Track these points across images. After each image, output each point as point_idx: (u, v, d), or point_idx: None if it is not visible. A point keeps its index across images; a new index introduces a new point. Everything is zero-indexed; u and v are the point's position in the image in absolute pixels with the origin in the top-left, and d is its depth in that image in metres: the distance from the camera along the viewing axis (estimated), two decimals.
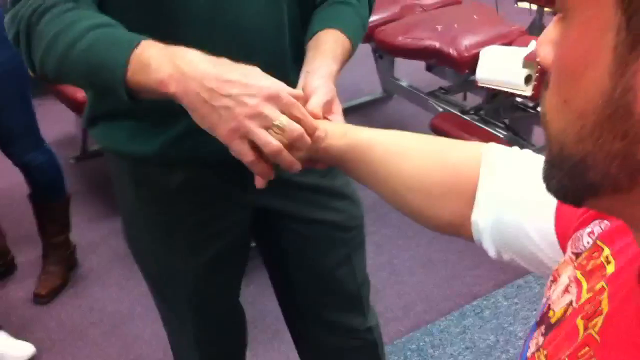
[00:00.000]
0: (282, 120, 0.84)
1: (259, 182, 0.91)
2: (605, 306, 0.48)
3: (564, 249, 0.64)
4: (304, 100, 0.95)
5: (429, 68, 3.12)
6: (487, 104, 2.82)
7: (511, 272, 2.40)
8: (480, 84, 2.55)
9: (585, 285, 0.53)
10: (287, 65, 1.13)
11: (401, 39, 2.89)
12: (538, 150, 0.69)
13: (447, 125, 2.76)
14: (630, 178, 0.37)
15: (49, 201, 2.42)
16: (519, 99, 2.64)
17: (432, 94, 3.10)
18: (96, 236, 2.75)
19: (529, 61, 2.30)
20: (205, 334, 1.40)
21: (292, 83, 1.01)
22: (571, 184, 0.40)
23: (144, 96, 0.90)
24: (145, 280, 1.40)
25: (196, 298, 1.33)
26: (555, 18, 0.40)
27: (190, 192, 1.20)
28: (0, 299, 2.44)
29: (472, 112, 2.85)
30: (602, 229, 0.56)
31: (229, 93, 0.83)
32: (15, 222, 2.79)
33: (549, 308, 0.57)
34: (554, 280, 0.59)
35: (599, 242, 0.55)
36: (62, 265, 2.50)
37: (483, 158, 0.76)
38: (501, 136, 2.67)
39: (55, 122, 3.37)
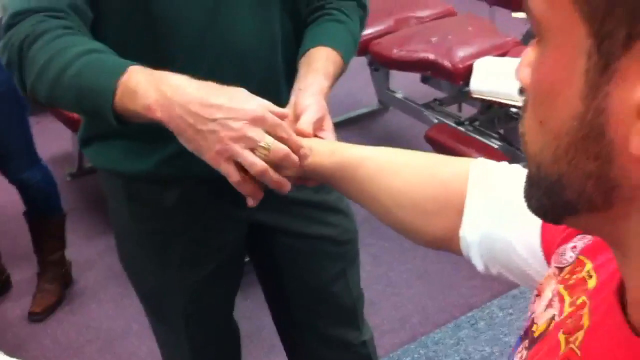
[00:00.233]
0: (268, 141, 0.86)
1: (250, 202, 0.92)
2: (586, 321, 0.48)
3: (549, 263, 0.64)
4: (295, 118, 0.96)
5: (424, 80, 3.13)
6: (482, 115, 2.82)
7: (506, 282, 2.38)
8: (474, 95, 2.55)
9: (567, 300, 0.53)
10: (280, 83, 1.14)
11: (396, 52, 2.90)
12: None
13: (442, 136, 2.76)
14: (604, 197, 0.37)
15: (44, 218, 2.42)
16: (513, 110, 2.64)
17: (427, 105, 3.11)
18: (92, 253, 2.75)
19: None
20: (200, 350, 1.40)
21: (285, 101, 1.02)
22: (549, 203, 0.41)
23: (132, 121, 0.91)
24: (138, 297, 1.39)
25: (190, 314, 1.33)
26: (533, 41, 0.41)
27: (184, 209, 1.20)
28: None
29: (467, 123, 2.85)
30: (584, 243, 0.56)
31: (214, 117, 0.84)
32: (11, 239, 2.79)
33: (532, 322, 0.57)
34: (538, 295, 0.59)
35: (581, 257, 0.55)
36: (57, 282, 2.50)
37: (470, 173, 0.76)
38: (496, 147, 2.67)
39: (52, 139, 3.38)
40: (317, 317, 1.38)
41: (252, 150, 0.85)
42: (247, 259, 1.40)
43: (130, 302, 2.44)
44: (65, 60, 0.92)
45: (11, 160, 2.27)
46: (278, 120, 0.88)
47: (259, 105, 0.87)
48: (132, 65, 0.90)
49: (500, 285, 2.40)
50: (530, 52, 0.41)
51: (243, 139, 0.84)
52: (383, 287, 2.48)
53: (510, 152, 2.61)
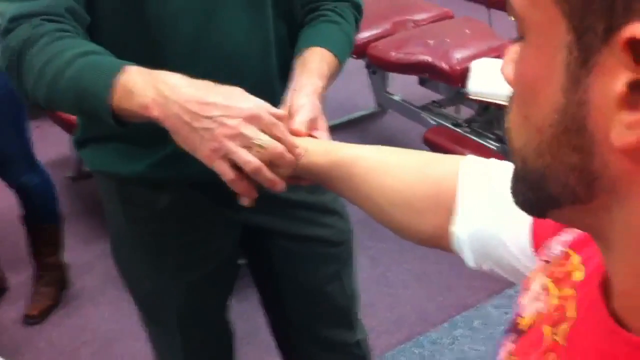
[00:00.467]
0: (263, 139, 0.86)
1: (245, 201, 0.92)
2: (572, 313, 0.48)
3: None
4: (289, 118, 0.96)
5: (421, 82, 3.13)
6: (480, 117, 2.83)
7: (503, 281, 2.38)
8: (472, 97, 2.55)
9: (554, 293, 0.53)
10: (274, 84, 1.15)
11: (394, 54, 2.91)
12: None
13: (440, 138, 2.76)
14: (587, 189, 0.38)
15: (42, 223, 2.42)
16: None
17: (425, 107, 3.11)
18: (89, 256, 2.74)
19: None
20: (194, 352, 1.40)
21: (280, 102, 1.02)
22: (534, 197, 0.42)
23: (129, 120, 0.92)
24: (133, 299, 1.39)
25: (184, 316, 1.33)
26: (516, 38, 0.42)
27: (179, 212, 1.21)
28: None
29: (464, 124, 2.86)
30: (572, 237, 0.56)
31: (209, 115, 0.85)
32: (7, 243, 2.79)
33: (519, 315, 0.57)
34: (526, 288, 0.59)
35: (568, 250, 0.56)
36: (54, 286, 2.49)
37: (461, 170, 0.77)
38: (494, 148, 2.67)
39: (51, 143, 3.38)
40: (312, 318, 1.38)
41: (247, 148, 0.85)
42: (242, 261, 1.40)
43: (126, 305, 2.43)
44: (62, 62, 0.92)
45: (10, 164, 2.27)
46: (274, 119, 0.88)
47: (255, 103, 0.88)
48: (129, 65, 0.91)
49: (496, 285, 2.40)
50: (514, 49, 0.42)
51: (238, 137, 0.84)
52: (380, 288, 2.48)
53: (508, 153, 2.60)
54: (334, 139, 0.99)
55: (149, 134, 1.09)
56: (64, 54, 0.93)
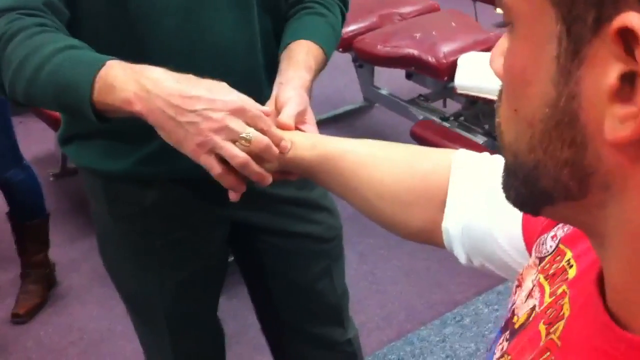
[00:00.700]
0: (249, 132, 0.85)
1: (233, 196, 0.91)
2: (566, 310, 0.48)
3: (531, 254, 0.64)
4: (277, 111, 0.96)
5: (408, 76, 3.13)
6: (467, 111, 2.83)
7: (493, 278, 2.39)
8: (459, 91, 2.56)
9: (547, 290, 0.53)
10: (261, 79, 1.14)
11: (380, 48, 2.90)
12: None
13: (427, 132, 2.76)
14: (580, 185, 0.37)
15: (28, 219, 2.40)
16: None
17: (412, 101, 3.12)
18: (76, 254, 2.73)
19: None
20: (183, 351, 1.39)
21: (267, 97, 1.02)
22: (527, 192, 0.41)
23: (111, 116, 0.90)
24: (121, 297, 1.38)
25: (173, 316, 1.32)
26: (506, 30, 0.41)
27: (166, 209, 1.20)
28: None
29: (452, 118, 2.86)
30: (564, 232, 0.56)
31: (194, 108, 0.83)
32: None
33: (513, 313, 0.56)
34: (519, 285, 0.59)
35: (561, 246, 0.55)
36: (41, 284, 2.48)
37: (452, 165, 0.76)
38: (481, 142, 2.68)
39: (35, 140, 3.35)
40: (302, 316, 1.37)
41: (233, 141, 0.84)
42: (231, 259, 1.39)
43: (114, 303, 2.41)
44: (42, 57, 0.90)
45: None
46: (258, 112, 0.87)
47: (239, 96, 0.87)
48: (110, 59, 0.89)
49: (486, 281, 2.40)
50: (503, 41, 0.41)
51: (224, 130, 0.84)
52: (369, 285, 2.48)
53: (496, 147, 2.61)
54: (321, 134, 0.98)
55: (134, 130, 1.07)
56: (44, 48, 0.91)
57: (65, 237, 2.80)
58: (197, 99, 0.84)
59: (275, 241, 1.29)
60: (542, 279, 0.54)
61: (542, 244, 0.58)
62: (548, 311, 0.50)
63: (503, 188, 0.43)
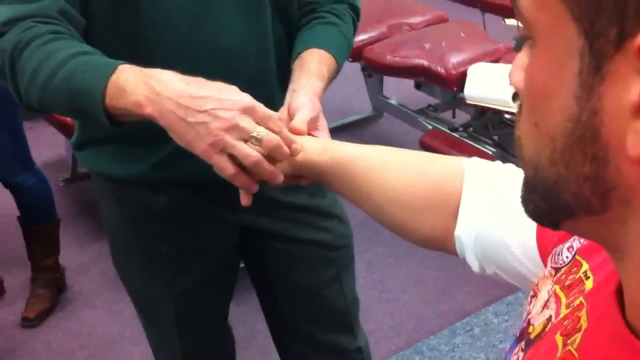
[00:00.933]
0: (259, 131, 0.85)
1: (244, 200, 0.91)
2: (584, 322, 0.48)
3: (545, 263, 0.64)
4: (289, 117, 0.96)
5: (417, 86, 3.13)
6: (476, 121, 2.83)
7: (502, 288, 2.39)
8: (468, 102, 2.56)
9: (564, 301, 0.53)
10: (272, 84, 1.14)
11: (389, 58, 2.91)
12: None
13: (436, 142, 2.77)
14: (601, 200, 0.37)
15: (38, 223, 2.41)
16: (507, 116, 2.65)
17: (421, 111, 3.12)
18: (85, 259, 2.74)
19: None
20: (193, 356, 1.39)
21: (279, 104, 1.02)
22: (547, 206, 0.41)
23: (123, 120, 0.91)
24: (131, 300, 1.39)
25: (182, 320, 1.32)
26: (525, 44, 0.41)
27: (175, 214, 1.20)
28: None
29: (461, 129, 2.86)
30: (581, 243, 0.56)
31: (204, 109, 0.83)
32: (4, 244, 2.78)
33: (528, 323, 0.56)
34: (534, 295, 0.59)
35: (577, 257, 0.55)
36: (51, 288, 2.48)
37: (466, 173, 0.76)
38: (490, 153, 2.68)
39: (46, 144, 3.37)
40: (311, 323, 1.37)
41: (244, 141, 0.84)
42: (242, 265, 1.39)
43: (123, 307, 2.43)
44: (55, 63, 0.91)
45: (4, 165, 2.27)
46: (268, 112, 0.87)
47: (248, 96, 0.87)
48: (121, 64, 0.90)
49: (496, 291, 2.40)
50: (522, 56, 0.41)
51: (235, 129, 0.83)
52: (378, 293, 2.47)
53: (505, 158, 2.61)
54: None
55: (146, 136, 1.08)
56: (57, 55, 0.92)
57: (75, 241, 2.82)
58: (206, 99, 0.84)
59: (284, 247, 1.29)
60: (558, 290, 0.54)
61: (558, 255, 0.58)
62: (565, 322, 0.50)
63: (522, 202, 0.43)
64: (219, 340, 1.46)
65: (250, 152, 0.83)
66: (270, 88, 1.14)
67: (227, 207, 1.21)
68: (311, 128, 0.96)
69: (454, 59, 2.71)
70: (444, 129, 2.91)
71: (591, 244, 0.54)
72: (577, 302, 0.51)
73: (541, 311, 0.55)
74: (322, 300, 1.34)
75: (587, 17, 0.34)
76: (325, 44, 1.13)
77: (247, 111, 0.85)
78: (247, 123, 0.84)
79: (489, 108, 2.50)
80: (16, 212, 2.42)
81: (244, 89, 0.89)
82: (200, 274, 1.27)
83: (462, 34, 2.95)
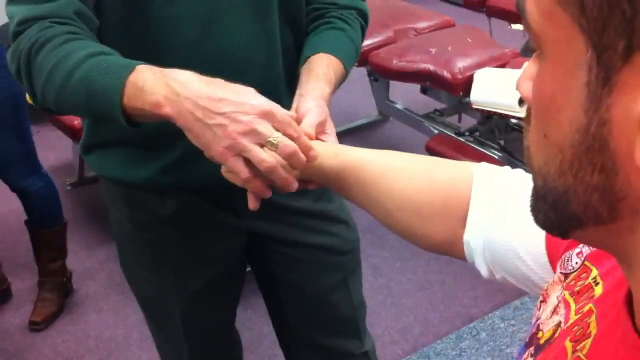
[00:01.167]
0: (276, 136, 0.84)
1: (252, 204, 0.91)
2: (593, 329, 0.48)
3: (554, 269, 0.64)
4: (297, 122, 0.96)
5: (423, 90, 3.14)
6: (482, 126, 2.83)
7: (508, 293, 2.39)
8: (474, 106, 2.56)
9: (573, 307, 0.53)
10: (280, 91, 1.15)
11: (396, 62, 2.91)
12: None
13: (442, 147, 2.77)
14: (610, 210, 0.37)
15: (45, 227, 2.42)
16: (513, 120, 2.65)
17: (427, 116, 3.12)
18: (92, 262, 2.74)
19: None
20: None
21: (286, 109, 1.02)
22: (556, 216, 0.41)
23: (140, 120, 0.90)
24: (139, 304, 1.39)
25: (190, 325, 1.32)
26: (533, 55, 0.41)
27: (183, 218, 1.20)
28: None
29: (467, 133, 2.86)
30: (590, 249, 0.57)
31: (222, 111, 0.83)
32: (12, 248, 2.79)
33: (537, 329, 0.57)
34: (543, 301, 0.59)
35: (587, 263, 0.56)
36: (58, 292, 2.49)
37: (474, 178, 0.76)
38: (496, 157, 2.68)
39: (52, 148, 3.38)
40: (318, 328, 1.37)
41: (261, 146, 0.84)
42: (248, 269, 1.40)
43: (130, 311, 2.44)
44: (72, 64, 0.91)
45: (12, 169, 2.28)
46: (287, 117, 0.87)
47: (266, 101, 0.86)
48: (139, 64, 0.90)
49: (502, 296, 2.40)
50: (531, 66, 0.42)
51: (252, 133, 0.83)
52: (384, 298, 2.47)
53: (511, 162, 2.61)
54: None
55: (154, 140, 1.09)
56: (73, 55, 0.92)
57: (82, 245, 2.82)
58: (225, 101, 0.83)
59: (290, 252, 1.29)
60: (567, 296, 0.55)
61: (568, 261, 0.58)
62: (574, 328, 0.50)
63: (532, 211, 0.43)
64: (227, 345, 1.46)
65: (265, 157, 0.83)
66: (278, 94, 1.14)
67: (234, 213, 1.21)
68: (319, 132, 0.97)
69: (460, 63, 2.72)
70: (450, 134, 2.92)
71: (600, 250, 0.54)
72: (587, 308, 0.51)
73: (550, 317, 0.55)
74: (329, 305, 1.34)
75: (594, 30, 0.34)
76: (333, 49, 1.13)
77: (265, 116, 0.84)
78: (264, 128, 0.84)
79: (495, 113, 2.50)
80: (23, 216, 2.43)
81: None
82: (207, 278, 1.27)
83: (468, 39, 2.95)
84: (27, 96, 2.21)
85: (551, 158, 0.39)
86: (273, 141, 0.84)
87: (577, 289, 0.54)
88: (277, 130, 0.85)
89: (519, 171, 0.76)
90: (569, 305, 0.53)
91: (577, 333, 0.49)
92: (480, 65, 2.65)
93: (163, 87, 0.85)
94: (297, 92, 1.06)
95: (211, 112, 0.83)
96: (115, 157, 1.17)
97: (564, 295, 0.55)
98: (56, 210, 2.43)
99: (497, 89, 2.43)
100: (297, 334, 1.40)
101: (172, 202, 1.18)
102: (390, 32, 3.19)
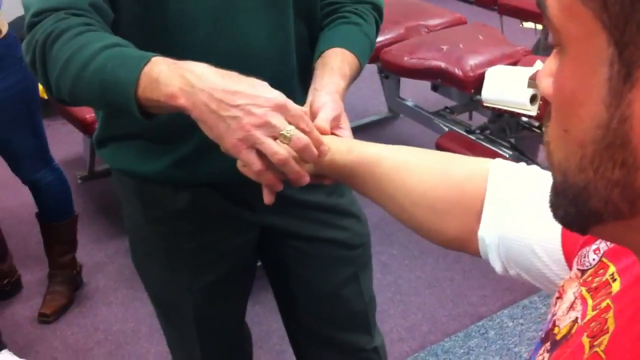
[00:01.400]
0: (289, 129, 0.84)
1: (267, 198, 0.91)
2: (611, 324, 0.48)
3: (570, 265, 0.64)
4: (312, 116, 0.97)
5: (434, 88, 3.13)
6: (493, 124, 2.83)
7: (517, 292, 2.38)
8: (485, 104, 2.55)
9: (590, 303, 0.53)
10: (294, 85, 1.15)
11: (407, 60, 2.90)
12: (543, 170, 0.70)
13: (453, 144, 2.76)
14: (630, 205, 0.37)
15: (56, 220, 2.43)
16: (524, 119, 2.64)
17: (437, 113, 3.11)
18: (102, 256, 2.76)
19: (534, 81, 2.31)
20: (210, 355, 1.40)
21: (299, 104, 1.02)
22: (575, 211, 0.41)
23: (155, 112, 0.91)
24: (150, 299, 1.40)
25: (200, 319, 1.33)
26: (553, 51, 0.41)
27: (196, 212, 1.21)
28: (5, 318, 2.44)
29: (477, 131, 2.86)
30: (607, 246, 0.56)
31: (236, 103, 0.83)
32: (22, 241, 2.80)
33: (554, 325, 0.57)
34: (560, 297, 0.59)
35: (604, 260, 0.55)
36: (67, 285, 2.50)
37: (490, 174, 0.76)
38: (507, 155, 2.67)
39: (63, 142, 3.40)
40: (328, 323, 1.37)
41: (274, 138, 0.84)
42: (258, 264, 1.40)
43: (139, 305, 2.45)
44: (87, 55, 0.91)
45: (25, 162, 2.29)
46: (300, 111, 0.87)
47: (281, 94, 0.87)
48: (154, 56, 0.90)
49: (511, 295, 2.40)
50: (551, 62, 0.42)
51: (266, 126, 0.83)
52: (392, 295, 2.47)
53: (521, 161, 2.60)
54: None
55: (168, 133, 1.09)
56: (89, 46, 0.92)
57: (92, 239, 2.84)
58: (240, 94, 0.84)
59: (301, 246, 1.29)
60: (584, 292, 0.54)
61: (585, 257, 0.58)
62: (592, 324, 0.50)
63: (551, 207, 0.43)
64: (238, 340, 1.47)
65: (278, 150, 0.83)
66: (291, 88, 1.14)
67: (247, 207, 1.21)
68: (334, 127, 0.97)
69: (472, 61, 2.71)
70: (460, 131, 2.91)
71: (618, 247, 0.54)
72: (604, 304, 0.51)
73: (567, 313, 0.55)
74: (340, 300, 1.34)
75: (616, 26, 0.34)
76: (347, 43, 1.13)
77: (279, 109, 0.85)
78: (277, 121, 0.84)
79: (506, 111, 2.50)
80: (34, 209, 2.44)
81: None
82: (220, 273, 1.28)
83: (480, 37, 2.94)
84: (40, 90, 2.25)
85: (572, 154, 0.39)
86: (286, 134, 0.84)
87: (594, 285, 0.54)
88: (290, 123, 0.85)
89: (535, 167, 0.76)
90: (586, 302, 0.53)
91: (595, 329, 0.49)
92: (491, 63, 2.64)
93: (178, 78, 0.85)
94: (312, 87, 1.06)
95: (226, 105, 0.83)
96: (129, 151, 1.18)
97: (581, 291, 0.55)
98: (67, 203, 2.45)
99: (509, 87, 2.42)
100: (308, 329, 1.40)
101: (185, 196, 1.19)
102: (402, 29, 3.18)
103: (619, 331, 0.46)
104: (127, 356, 2.28)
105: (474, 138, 2.83)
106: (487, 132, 2.85)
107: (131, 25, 1.05)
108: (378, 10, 1.24)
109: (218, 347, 1.40)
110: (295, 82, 1.16)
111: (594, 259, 0.57)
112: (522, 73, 2.39)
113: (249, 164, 0.85)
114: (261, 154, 0.84)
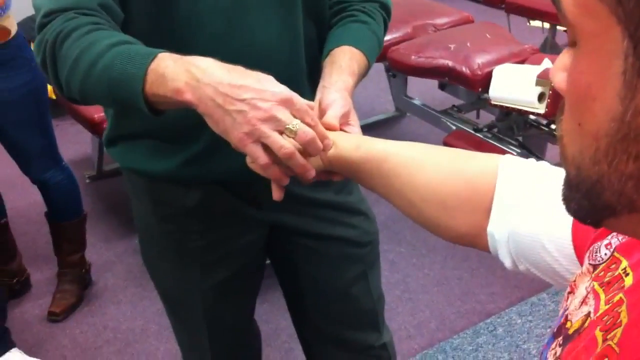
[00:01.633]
0: (295, 124, 0.85)
1: (276, 194, 0.91)
2: (624, 318, 0.48)
3: (580, 260, 0.64)
4: (321, 113, 0.97)
5: (441, 86, 3.13)
6: (500, 122, 2.82)
7: (525, 289, 2.38)
8: (493, 102, 2.55)
9: (603, 297, 0.53)
10: (303, 85, 1.15)
11: (414, 58, 2.90)
12: None
13: (460, 143, 2.76)
14: None
15: (65, 219, 2.44)
16: (532, 117, 2.64)
17: (445, 112, 3.11)
18: (111, 255, 2.77)
19: (542, 79, 2.31)
20: (220, 353, 1.40)
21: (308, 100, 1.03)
22: (589, 205, 0.41)
23: (162, 107, 0.91)
24: (160, 297, 1.40)
25: (210, 317, 1.33)
26: (567, 46, 0.42)
27: (207, 211, 1.21)
28: (15, 316, 2.45)
29: (485, 129, 2.85)
30: (619, 240, 0.57)
31: (242, 97, 0.83)
32: (32, 240, 2.82)
33: (566, 319, 0.57)
34: (571, 292, 0.59)
35: (616, 254, 0.55)
36: (77, 283, 2.52)
37: (500, 169, 0.76)
38: (514, 154, 2.66)
39: (72, 142, 3.41)
40: (337, 321, 1.38)
41: (280, 132, 0.84)
42: (267, 262, 1.40)
43: (148, 303, 2.46)
44: (96, 53, 0.92)
45: (34, 162, 2.30)
46: (305, 106, 0.87)
47: (286, 89, 0.87)
48: (161, 52, 0.90)
49: (519, 292, 2.39)
50: (564, 56, 0.42)
51: (272, 120, 0.83)
52: (400, 293, 2.48)
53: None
54: None
55: (178, 132, 1.10)
56: (97, 45, 0.92)
57: (100, 238, 2.85)
58: (245, 88, 0.84)
59: (310, 244, 1.29)
60: (596, 287, 0.55)
61: (596, 252, 0.58)
62: (604, 318, 0.50)
63: (564, 200, 0.43)
64: (247, 338, 1.47)
65: (284, 144, 0.84)
66: (301, 88, 1.14)
67: (257, 205, 1.22)
68: (343, 123, 0.97)
69: (479, 59, 2.70)
70: (467, 130, 2.91)
71: (630, 241, 0.54)
72: (617, 298, 0.51)
73: (579, 307, 0.55)
74: (349, 298, 1.35)
75: (631, 20, 0.34)
76: (356, 41, 1.13)
77: (285, 103, 0.85)
78: (283, 115, 0.84)
79: (513, 109, 2.50)
80: (43, 208, 2.45)
81: None
82: (229, 271, 1.28)
83: (487, 35, 2.93)
84: (49, 90, 2.26)
85: (585, 147, 0.39)
86: (292, 128, 0.84)
87: (606, 279, 0.54)
88: (296, 117, 0.86)
89: (545, 163, 0.76)
90: (599, 296, 0.53)
91: (608, 322, 0.49)
92: (499, 62, 2.64)
93: (184, 73, 0.86)
94: (320, 84, 1.06)
95: (231, 99, 0.83)
96: (139, 150, 1.18)
97: (593, 286, 0.55)
98: (76, 202, 2.45)
99: (516, 86, 2.42)
100: (316, 327, 1.41)
101: (195, 194, 1.19)
102: (409, 28, 3.18)
103: (632, 324, 0.47)
104: (136, 354, 2.29)
105: (481, 136, 2.83)
106: (495, 130, 2.85)
107: (141, 25, 1.06)
108: (386, 9, 1.24)
109: (227, 344, 1.41)
110: (305, 81, 1.16)
111: (605, 254, 0.57)
112: (530, 71, 2.39)
113: (255, 158, 0.85)
114: (267, 148, 0.84)
